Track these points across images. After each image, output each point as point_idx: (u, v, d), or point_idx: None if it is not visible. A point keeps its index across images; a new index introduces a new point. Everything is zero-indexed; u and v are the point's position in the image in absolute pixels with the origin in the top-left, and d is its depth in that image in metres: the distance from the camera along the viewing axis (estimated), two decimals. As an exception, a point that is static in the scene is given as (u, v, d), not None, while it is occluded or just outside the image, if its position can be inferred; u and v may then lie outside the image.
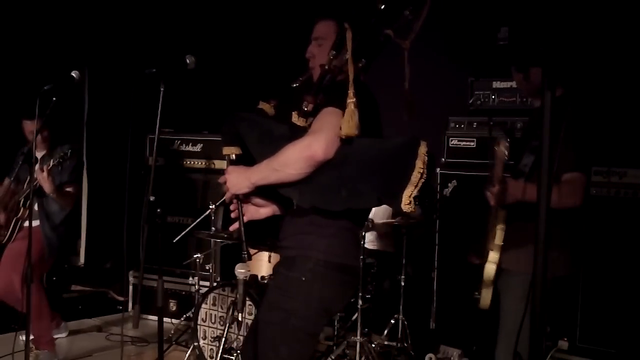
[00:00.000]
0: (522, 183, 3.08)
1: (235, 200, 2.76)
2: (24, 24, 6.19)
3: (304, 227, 2.63)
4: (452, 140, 5.22)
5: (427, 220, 5.36)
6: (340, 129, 2.42)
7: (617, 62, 4.73)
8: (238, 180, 2.65)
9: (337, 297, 2.71)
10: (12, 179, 5.14)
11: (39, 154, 5.05)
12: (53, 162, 4.65)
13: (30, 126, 4.95)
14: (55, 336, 5.31)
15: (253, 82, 6.22)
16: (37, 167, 4.60)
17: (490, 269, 3.18)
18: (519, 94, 4.92)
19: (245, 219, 2.78)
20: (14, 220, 5.05)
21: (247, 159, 2.71)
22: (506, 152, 3.08)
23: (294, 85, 2.77)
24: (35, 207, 4.97)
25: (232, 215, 2.85)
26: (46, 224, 5.04)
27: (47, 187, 4.74)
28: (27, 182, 5.01)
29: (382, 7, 2.48)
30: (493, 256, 3.17)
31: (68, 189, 4.99)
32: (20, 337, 4.55)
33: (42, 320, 4.97)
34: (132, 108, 4.01)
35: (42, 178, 4.68)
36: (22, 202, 5.01)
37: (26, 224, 4.86)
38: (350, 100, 2.42)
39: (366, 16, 2.54)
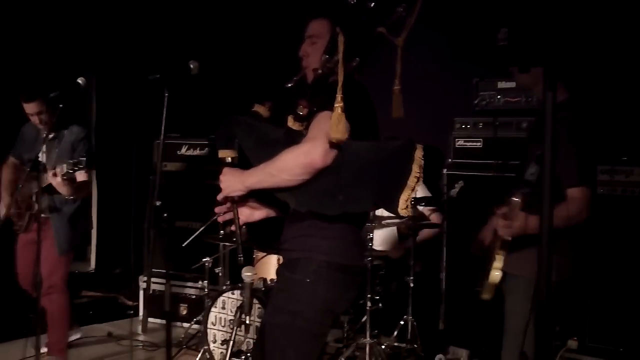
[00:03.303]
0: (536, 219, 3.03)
1: (228, 203, 2.78)
2: (32, 32, 6.23)
3: (306, 230, 2.63)
4: (458, 141, 5.21)
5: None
6: (331, 133, 2.40)
7: (622, 60, 4.72)
8: (232, 182, 2.67)
9: (341, 297, 2.71)
10: (17, 158, 5.07)
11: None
12: (67, 167, 4.42)
13: (28, 108, 4.74)
14: (70, 338, 5.32)
15: (258, 85, 6.24)
16: (49, 172, 4.50)
17: (495, 275, 3.17)
18: (524, 94, 4.92)
19: (241, 221, 2.80)
20: (27, 214, 4.91)
21: (243, 163, 2.72)
22: (519, 208, 3.01)
23: (288, 85, 2.76)
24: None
25: (220, 219, 2.87)
26: (57, 218, 4.87)
27: (64, 191, 4.57)
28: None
29: (372, 4, 2.48)
30: (498, 263, 3.17)
31: (81, 178, 4.71)
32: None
33: (60, 328, 4.96)
34: (137, 114, 4.06)
35: (57, 184, 4.51)
36: (34, 197, 4.79)
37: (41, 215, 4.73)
38: (338, 105, 2.40)
39: (356, 14, 2.53)
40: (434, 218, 5.36)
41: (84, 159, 4.43)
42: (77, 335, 5.50)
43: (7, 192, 5.02)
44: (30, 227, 4.91)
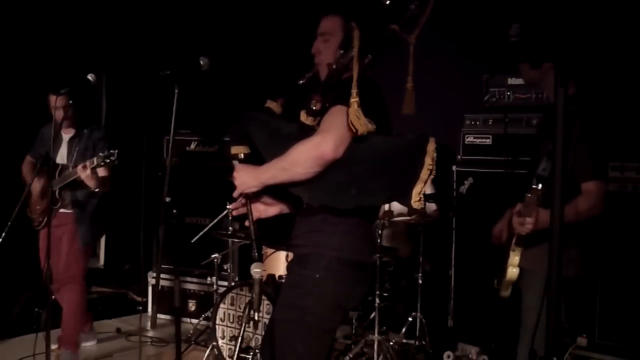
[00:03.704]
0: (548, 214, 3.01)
1: (242, 199, 2.78)
2: (42, 29, 6.24)
3: (316, 225, 2.64)
4: (467, 138, 5.20)
5: (444, 217, 5.36)
6: (353, 128, 2.42)
7: (631, 55, 4.69)
8: (246, 178, 2.67)
9: (351, 293, 2.71)
10: (34, 157, 5.16)
11: (66, 135, 5.04)
12: (98, 160, 4.58)
13: (56, 101, 4.71)
14: (85, 343, 5.36)
15: (269, 81, 6.24)
16: (79, 166, 4.63)
17: (512, 272, 3.18)
18: (534, 90, 4.90)
19: (254, 217, 2.80)
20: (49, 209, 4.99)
21: (255, 158, 2.72)
22: (535, 202, 3.03)
23: (301, 82, 2.77)
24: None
25: (234, 213, 2.87)
26: (80, 212, 5.03)
27: (92, 184, 4.70)
28: (59, 170, 4.97)
29: (388, 2, 2.48)
30: (514, 259, 3.17)
31: (103, 174, 4.84)
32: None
33: (74, 321, 5.01)
34: (147, 110, 4.06)
35: (86, 177, 4.63)
36: (58, 192, 4.93)
37: (61, 210, 4.96)
38: (354, 100, 2.41)
39: (371, 12, 2.53)
40: (436, 215, 5.35)
41: (116, 151, 4.58)
42: (93, 342, 5.51)
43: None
44: (50, 222, 4.92)
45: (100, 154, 4.58)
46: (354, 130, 2.42)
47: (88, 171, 4.60)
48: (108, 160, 4.55)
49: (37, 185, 5.06)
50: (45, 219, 4.97)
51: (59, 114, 4.79)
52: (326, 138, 2.44)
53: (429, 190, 5.26)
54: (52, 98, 4.75)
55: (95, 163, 4.58)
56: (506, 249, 3.24)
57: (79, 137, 5.01)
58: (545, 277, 2.42)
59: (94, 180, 4.68)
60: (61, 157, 5.01)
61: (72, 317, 4.99)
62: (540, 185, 2.94)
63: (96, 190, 4.80)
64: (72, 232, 4.96)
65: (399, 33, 2.54)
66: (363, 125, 2.41)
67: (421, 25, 2.50)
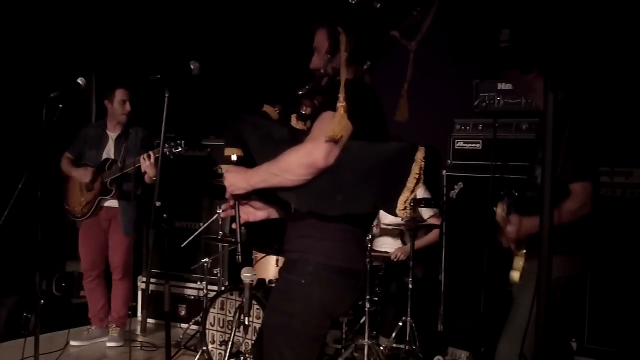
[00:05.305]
0: (531, 220, 3.07)
1: (231, 201, 2.76)
2: (32, 32, 6.22)
3: (305, 230, 2.61)
4: (457, 142, 5.21)
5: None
6: (331, 132, 2.37)
7: (621, 61, 4.72)
8: (236, 180, 2.65)
9: (339, 300, 2.69)
10: (72, 153, 5.57)
11: (112, 134, 5.49)
12: (165, 149, 4.85)
13: (123, 95, 5.42)
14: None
15: (259, 86, 6.24)
16: (141, 157, 5.02)
17: (514, 275, 3.26)
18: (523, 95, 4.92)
19: (242, 220, 2.79)
20: (98, 199, 5.38)
21: (249, 161, 2.71)
22: (504, 214, 3.15)
23: (300, 92, 2.74)
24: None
25: (222, 214, 2.86)
26: (125, 204, 5.41)
27: (152, 172, 5.04)
28: (108, 164, 5.36)
29: (378, 5, 2.47)
30: (517, 263, 3.24)
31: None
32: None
33: (127, 304, 5.62)
34: (137, 114, 4.07)
35: (149, 165, 5.02)
36: (109, 183, 5.32)
37: (107, 203, 5.44)
38: (340, 105, 2.38)
39: (359, 15, 2.52)
40: (433, 221, 5.36)
41: (183, 141, 4.98)
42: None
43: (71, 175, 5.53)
44: (97, 212, 5.42)
45: (166, 144, 4.87)
46: (329, 134, 2.37)
47: (152, 160, 4.98)
48: (175, 150, 4.90)
49: (85, 177, 5.42)
50: (91, 210, 5.38)
51: (120, 107, 5.39)
52: (317, 146, 2.40)
53: (425, 195, 5.30)
54: (119, 92, 5.41)
55: (160, 153, 4.91)
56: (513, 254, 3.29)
57: (125, 136, 5.44)
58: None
59: (155, 169, 5.00)
60: (107, 153, 5.46)
61: (126, 300, 5.56)
62: (510, 196, 3.02)
63: (154, 178, 5.04)
64: (119, 227, 5.37)
65: (399, 39, 2.53)
66: (339, 130, 2.37)
67: (423, 32, 2.49)
